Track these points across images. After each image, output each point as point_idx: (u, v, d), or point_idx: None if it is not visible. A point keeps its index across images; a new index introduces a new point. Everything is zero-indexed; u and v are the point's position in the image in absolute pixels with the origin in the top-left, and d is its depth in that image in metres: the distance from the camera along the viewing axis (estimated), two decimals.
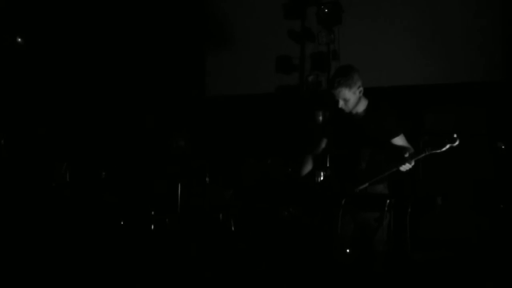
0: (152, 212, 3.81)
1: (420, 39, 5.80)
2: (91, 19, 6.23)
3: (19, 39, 5.39)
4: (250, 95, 6.47)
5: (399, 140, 3.37)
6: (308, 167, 3.68)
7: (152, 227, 3.89)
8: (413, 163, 3.18)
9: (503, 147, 4.44)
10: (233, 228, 4.57)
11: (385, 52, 5.88)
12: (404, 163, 3.12)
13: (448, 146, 3.05)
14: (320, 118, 5.96)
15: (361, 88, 3.37)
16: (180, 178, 3.97)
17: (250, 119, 6.36)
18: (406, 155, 3.13)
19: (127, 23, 6.44)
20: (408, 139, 3.42)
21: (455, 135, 3.04)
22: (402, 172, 3.22)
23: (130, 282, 3.89)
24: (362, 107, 3.43)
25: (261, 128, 6.27)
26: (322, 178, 5.48)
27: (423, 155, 3.11)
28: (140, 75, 6.49)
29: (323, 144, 3.65)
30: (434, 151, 3.08)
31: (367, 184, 3.22)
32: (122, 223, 4.08)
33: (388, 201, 3.10)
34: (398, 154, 3.22)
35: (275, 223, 4.82)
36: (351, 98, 3.34)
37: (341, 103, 3.35)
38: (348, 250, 3.35)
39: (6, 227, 4.53)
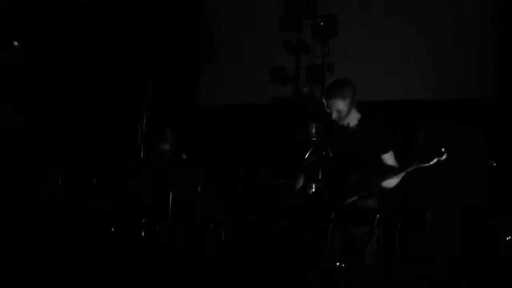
0: (143, 220, 3.80)
1: (415, 54, 5.85)
2: (85, 26, 6.24)
3: (16, 43, 5.38)
4: (244, 104, 6.49)
5: (388, 157, 3.38)
6: (302, 180, 3.68)
7: (143, 234, 3.88)
8: (399, 179, 3.21)
9: (494, 164, 4.47)
10: (223, 238, 4.56)
11: (379, 66, 5.92)
12: (386, 179, 3.15)
13: (435, 160, 3.07)
14: (314, 130, 5.98)
15: (355, 100, 3.38)
16: (171, 187, 3.96)
17: (243, 129, 6.37)
18: (389, 173, 3.16)
19: (121, 32, 6.45)
20: (400, 154, 3.44)
21: (442, 149, 3.07)
22: (390, 188, 3.25)
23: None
24: (355, 120, 3.46)
25: (254, 138, 6.28)
26: (314, 190, 5.50)
27: (411, 168, 3.14)
28: (134, 83, 6.49)
29: (317, 156, 3.64)
30: (421, 165, 3.10)
31: (355, 198, 3.24)
32: (112, 230, 4.07)
33: (378, 216, 3.11)
34: (384, 171, 3.25)
35: (265, 234, 4.82)
36: (344, 110, 3.36)
37: (334, 115, 3.38)
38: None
39: None
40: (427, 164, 3.10)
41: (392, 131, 3.52)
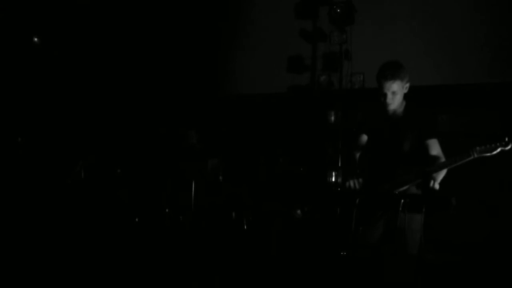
0: (166, 210, 3.83)
1: (434, 38, 5.77)
2: (107, 20, 6.28)
3: (36, 39, 5.44)
4: (262, 94, 6.48)
5: (433, 144, 3.31)
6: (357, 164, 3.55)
7: (166, 224, 3.92)
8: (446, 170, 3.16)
9: None
10: (245, 227, 4.59)
11: (398, 52, 5.82)
12: (440, 170, 3.10)
13: (499, 150, 3.00)
14: (332, 118, 5.97)
15: (408, 84, 3.32)
16: (194, 176, 3.99)
17: (262, 118, 6.38)
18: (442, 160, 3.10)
19: (141, 22, 6.48)
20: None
21: (506, 139, 2.99)
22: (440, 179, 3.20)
23: (144, 278, 3.92)
24: (401, 107, 3.40)
25: (273, 127, 6.28)
26: (333, 178, 5.51)
27: (470, 158, 3.06)
28: (154, 74, 6.53)
29: (363, 141, 3.55)
30: (483, 155, 3.03)
31: (406, 187, 3.20)
32: (136, 220, 4.11)
33: (402, 200, 3.09)
34: (437, 161, 3.19)
35: (287, 222, 4.84)
36: (399, 93, 3.29)
37: (389, 96, 3.29)
38: (364, 252, 3.35)
39: (21, 224, 4.58)
40: (489, 154, 3.02)
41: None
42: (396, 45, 5.87)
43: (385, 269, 3.34)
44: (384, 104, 3.33)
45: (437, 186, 3.13)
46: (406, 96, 3.45)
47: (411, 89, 3.46)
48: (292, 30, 6.45)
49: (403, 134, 3.35)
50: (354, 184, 3.30)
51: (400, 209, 3.07)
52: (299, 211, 4.97)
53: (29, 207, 4.76)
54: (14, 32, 5.34)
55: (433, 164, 3.21)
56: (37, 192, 4.87)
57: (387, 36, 5.93)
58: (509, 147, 3.00)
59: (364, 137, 3.51)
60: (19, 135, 5.08)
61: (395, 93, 3.29)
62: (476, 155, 3.04)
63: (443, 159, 3.27)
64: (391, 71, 3.26)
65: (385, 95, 3.29)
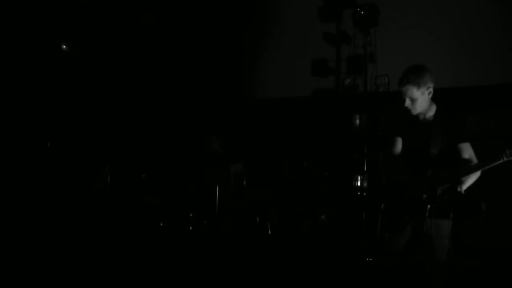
0: (191, 214, 3.85)
1: (458, 40, 5.68)
2: (137, 27, 6.35)
3: (64, 46, 5.55)
4: (286, 98, 6.47)
5: (465, 148, 3.25)
6: (402, 166, 3.49)
7: (191, 228, 3.93)
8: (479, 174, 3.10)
9: None
10: (269, 231, 4.58)
11: (423, 54, 5.76)
12: (469, 173, 3.04)
13: None
14: (357, 121, 5.91)
15: (431, 90, 3.26)
16: (217, 181, 4.00)
17: (286, 123, 6.37)
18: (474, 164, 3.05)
19: (168, 28, 6.54)
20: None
21: None
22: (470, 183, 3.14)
23: (170, 280, 3.95)
24: (431, 111, 3.34)
25: (298, 132, 6.26)
26: (359, 183, 5.45)
27: (500, 161, 2.99)
28: (179, 80, 6.58)
29: (400, 144, 3.46)
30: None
31: (438, 191, 3.13)
32: (161, 224, 4.14)
33: (429, 206, 3.03)
34: (466, 165, 3.13)
35: (312, 226, 4.81)
36: (419, 98, 3.24)
37: (407, 102, 3.25)
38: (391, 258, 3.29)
39: (49, 226, 4.66)
40: None
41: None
42: (421, 47, 5.79)
43: (413, 276, 3.28)
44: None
45: (462, 191, 3.07)
46: (436, 99, 3.39)
47: (438, 91, 3.39)
48: (316, 33, 6.43)
49: (433, 138, 3.29)
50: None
51: (427, 214, 3.02)
52: (323, 216, 4.93)
53: (57, 211, 4.84)
54: (40, 37, 5.46)
55: (462, 168, 3.14)
56: (65, 196, 4.95)
57: (412, 38, 5.86)
58: None
59: (399, 140, 3.45)
60: (48, 140, 5.18)
61: (414, 99, 3.25)
62: (506, 158, 2.97)
63: (475, 162, 3.20)
64: (407, 77, 3.23)
65: (404, 101, 3.27)
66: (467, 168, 3.13)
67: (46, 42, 5.46)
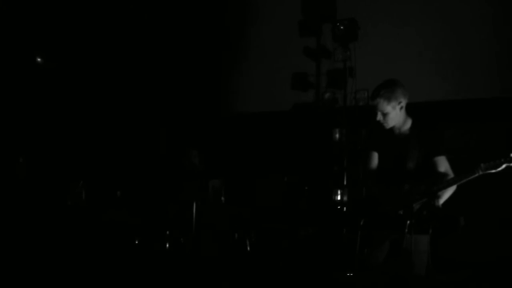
0: (167, 232, 3.76)
1: (438, 54, 5.74)
2: (105, 35, 6.28)
3: (39, 59, 5.46)
4: (266, 112, 6.45)
5: (442, 161, 3.24)
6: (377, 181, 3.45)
7: (167, 246, 3.84)
8: (455, 188, 3.09)
9: None
10: (248, 248, 4.50)
11: (402, 68, 5.80)
12: (445, 188, 3.03)
13: (504, 166, 2.93)
14: (337, 135, 5.91)
15: (403, 104, 3.26)
16: (195, 197, 3.92)
17: (266, 137, 6.33)
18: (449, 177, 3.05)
19: (142, 40, 6.49)
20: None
21: (511, 154, 2.92)
22: (446, 197, 3.13)
23: None
24: (406, 125, 3.34)
25: (278, 146, 6.23)
26: (339, 197, 5.42)
27: (475, 175, 2.98)
28: (155, 95, 6.51)
29: (376, 159, 3.45)
30: (488, 172, 2.96)
31: (414, 206, 3.11)
32: (136, 242, 4.05)
33: (408, 222, 3.00)
34: (441, 179, 3.13)
35: (291, 243, 4.75)
36: (390, 113, 3.25)
37: (379, 116, 3.27)
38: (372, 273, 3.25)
39: (21, 244, 4.53)
40: (494, 171, 2.95)
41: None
42: (400, 62, 5.83)
43: None
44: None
45: (439, 205, 3.05)
46: (411, 114, 3.39)
47: (415, 105, 3.39)
48: (296, 47, 6.44)
49: (409, 152, 3.28)
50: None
51: (406, 230, 2.99)
52: (303, 232, 4.88)
53: (30, 227, 4.71)
54: (12, 50, 5.36)
55: (439, 182, 3.13)
56: (38, 212, 4.83)
57: (392, 52, 5.90)
58: None
59: (375, 154, 3.43)
60: (20, 155, 5.06)
61: (385, 113, 3.26)
62: (481, 172, 2.97)
63: (451, 176, 3.19)
64: (378, 91, 3.26)
65: (376, 114, 3.28)
66: (444, 182, 3.12)
67: (20, 54, 5.37)
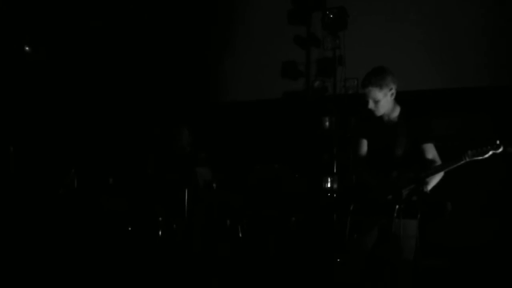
0: (160, 218, 3.79)
1: (427, 43, 5.78)
2: (96, 25, 6.25)
3: (27, 48, 5.41)
4: (256, 100, 6.47)
5: (429, 148, 3.31)
6: (367, 167, 3.46)
7: (160, 233, 3.88)
8: (442, 174, 3.16)
9: None
10: (240, 234, 4.56)
11: (391, 57, 5.82)
12: (433, 174, 3.09)
13: (491, 153, 3.00)
14: (327, 123, 5.96)
15: (393, 91, 3.31)
16: (187, 184, 3.95)
17: (256, 125, 6.36)
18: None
19: (132, 29, 6.46)
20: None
21: (497, 142, 2.98)
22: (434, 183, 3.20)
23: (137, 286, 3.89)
24: (395, 113, 3.39)
25: (268, 134, 6.26)
26: (329, 184, 5.48)
27: (462, 162, 3.05)
28: (145, 82, 6.49)
29: (365, 146, 3.50)
30: (475, 158, 3.03)
31: (403, 192, 3.17)
32: (129, 229, 4.08)
33: (397, 206, 3.07)
34: (429, 165, 3.19)
35: (282, 229, 4.81)
36: (382, 100, 3.29)
37: (370, 104, 3.30)
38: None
39: (14, 233, 4.53)
40: (481, 158, 3.02)
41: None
42: (390, 50, 5.87)
43: (381, 276, 3.31)
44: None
45: (428, 191, 3.12)
46: (400, 101, 3.44)
47: (405, 93, 3.44)
48: (285, 35, 6.45)
49: (398, 139, 3.34)
50: None
51: (395, 215, 3.06)
52: (294, 218, 4.94)
53: (22, 216, 4.71)
54: (2, 38, 5.31)
55: (427, 169, 3.20)
56: (30, 201, 4.82)
57: (381, 41, 5.93)
58: (500, 150, 3.00)
59: (364, 141, 3.48)
60: (10, 144, 5.04)
61: (376, 101, 3.30)
62: (468, 159, 3.04)
63: (439, 163, 3.26)
64: (369, 79, 3.29)
65: (367, 102, 3.32)
66: (432, 168, 3.19)
67: (8, 43, 5.32)
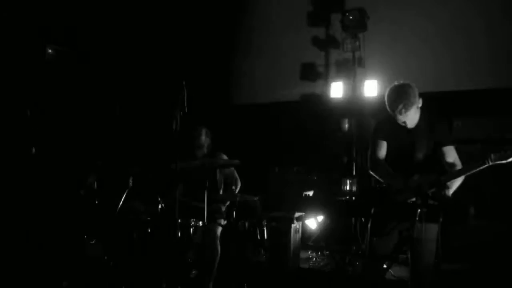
0: (179, 220, 3.82)
1: (447, 44, 5.72)
2: (115, 27, 6.29)
3: (50, 50, 5.49)
4: (275, 102, 6.47)
5: (450, 151, 3.27)
6: (388, 170, 3.41)
7: (179, 234, 3.90)
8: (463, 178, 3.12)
9: None
10: (259, 237, 4.55)
11: (411, 58, 5.81)
12: (455, 178, 3.05)
13: None
14: (346, 126, 5.92)
15: (421, 99, 3.26)
16: (206, 186, 3.97)
17: (275, 127, 6.36)
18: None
19: (152, 31, 6.50)
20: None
21: None
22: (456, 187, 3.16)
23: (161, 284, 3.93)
24: (416, 116, 3.34)
25: (287, 136, 6.25)
26: (348, 187, 5.45)
27: (485, 166, 3.00)
28: (165, 84, 6.52)
29: (384, 148, 3.45)
30: (498, 162, 2.98)
31: (430, 193, 3.14)
32: (149, 230, 4.11)
33: (419, 210, 3.03)
34: (452, 169, 3.15)
35: (299, 231, 4.80)
36: (416, 114, 3.27)
37: (408, 123, 3.27)
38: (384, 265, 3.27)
39: (36, 233, 4.60)
40: (505, 161, 2.98)
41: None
42: (409, 52, 5.83)
43: (401, 280, 3.28)
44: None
45: (450, 195, 3.08)
46: (424, 103, 3.39)
47: (427, 95, 3.40)
48: (304, 37, 6.45)
49: (418, 142, 3.30)
50: None
51: (417, 219, 3.02)
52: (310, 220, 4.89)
53: (43, 217, 4.78)
54: (24, 40, 5.38)
55: (448, 172, 3.16)
56: (51, 201, 4.89)
57: (401, 42, 5.89)
58: None
59: (384, 143, 3.45)
60: (33, 145, 5.11)
61: (413, 118, 3.26)
62: (491, 163, 3.00)
63: (459, 166, 3.22)
64: (404, 104, 3.18)
65: (404, 123, 3.26)
66: (453, 172, 3.15)
67: (31, 44, 5.40)
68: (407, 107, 3.18)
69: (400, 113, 3.20)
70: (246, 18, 6.92)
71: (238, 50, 6.93)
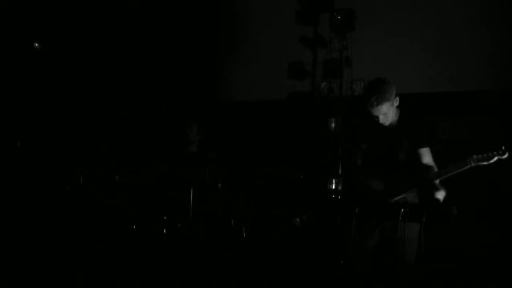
0: (165, 217, 3.81)
1: (434, 46, 5.78)
2: (102, 23, 6.26)
3: (36, 44, 5.45)
4: (262, 101, 6.47)
5: (425, 153, 3.30)
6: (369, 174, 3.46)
7: (164, 231, 3.89)
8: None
9: None
10: (244, 234, 4.57)
11: (398, 59, 5.86)
12: (437, 179, 3.08)
13: (496, 158, 2.98)
14: (333, 125, 5.95)
15: (397, 98, 3.30)
16: (192, 183, 3.97)
17: (262, 125, 6.36)
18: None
19: (138, 27, 6.47)
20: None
21: (503, 147, 2.96)
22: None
23: (140, 286, 3.92)
24: (396, 117, 3.38)
25: (273, 134, 6.27)
26: (333, 186, 5.49)
27: (467, 167, 3.03)
28: (153, 80, 6.51)
29: (364, 152, 3.49)
30: (480, 164, 3.01)
31: (403, 195, 3.18)
32: (134, 227, 4.10)
33: (402, 210, 3.07)
34: (433, 170, 3.18)
35: (287, 229, 4.82)
36: (390, 110, 3.29)
37: (381, 118, 3.29)
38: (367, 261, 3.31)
39: (19, 230, 4.57)
40: (486, 163, 3.00)
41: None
42: (396, 52, 5.88)
43: (382, 279, 3.32)
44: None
45: (439, 198, 3.12)
46: (404, 104, 3.43)
47: (410, 96, 3.44)
48: (292, 36, 6.45)
49: (398, 143, 3.34)
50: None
51: (400, 218, 3.06)
52: (298, 219, 4.95)
53: (28, 212, 4.74)
54: (11, 35, 5.33)
55: (429, 173, 3.20)
56: (36, 196, 4.85)
57: (388, 43, 5.94)
58: (506, 155, 2.99)
59: (363, 147, 3.48)
60: (18, 139, 5.07)
61: (386, 114, 3.29)
62: (473, 164, 3.03)
63: (434, 168, 3.26)
64: (376, 96, 3.22)
65: (377, 117, 3.30)
66: (435, 173, 3.19)
67: (17, 39, 5.35)
68: (379, 101, 3.21)
69: (372, 106, 3.23)
70: (233, 14, 6.90)
71: (224, 47, 6.91)
